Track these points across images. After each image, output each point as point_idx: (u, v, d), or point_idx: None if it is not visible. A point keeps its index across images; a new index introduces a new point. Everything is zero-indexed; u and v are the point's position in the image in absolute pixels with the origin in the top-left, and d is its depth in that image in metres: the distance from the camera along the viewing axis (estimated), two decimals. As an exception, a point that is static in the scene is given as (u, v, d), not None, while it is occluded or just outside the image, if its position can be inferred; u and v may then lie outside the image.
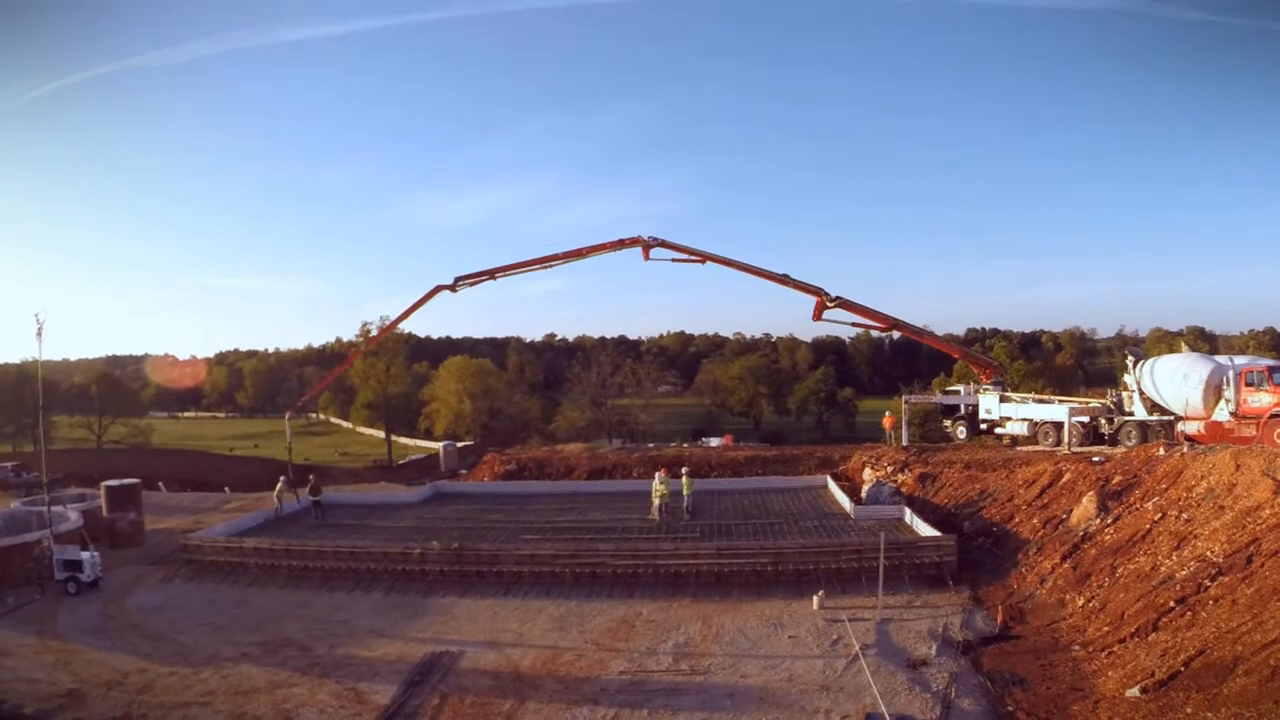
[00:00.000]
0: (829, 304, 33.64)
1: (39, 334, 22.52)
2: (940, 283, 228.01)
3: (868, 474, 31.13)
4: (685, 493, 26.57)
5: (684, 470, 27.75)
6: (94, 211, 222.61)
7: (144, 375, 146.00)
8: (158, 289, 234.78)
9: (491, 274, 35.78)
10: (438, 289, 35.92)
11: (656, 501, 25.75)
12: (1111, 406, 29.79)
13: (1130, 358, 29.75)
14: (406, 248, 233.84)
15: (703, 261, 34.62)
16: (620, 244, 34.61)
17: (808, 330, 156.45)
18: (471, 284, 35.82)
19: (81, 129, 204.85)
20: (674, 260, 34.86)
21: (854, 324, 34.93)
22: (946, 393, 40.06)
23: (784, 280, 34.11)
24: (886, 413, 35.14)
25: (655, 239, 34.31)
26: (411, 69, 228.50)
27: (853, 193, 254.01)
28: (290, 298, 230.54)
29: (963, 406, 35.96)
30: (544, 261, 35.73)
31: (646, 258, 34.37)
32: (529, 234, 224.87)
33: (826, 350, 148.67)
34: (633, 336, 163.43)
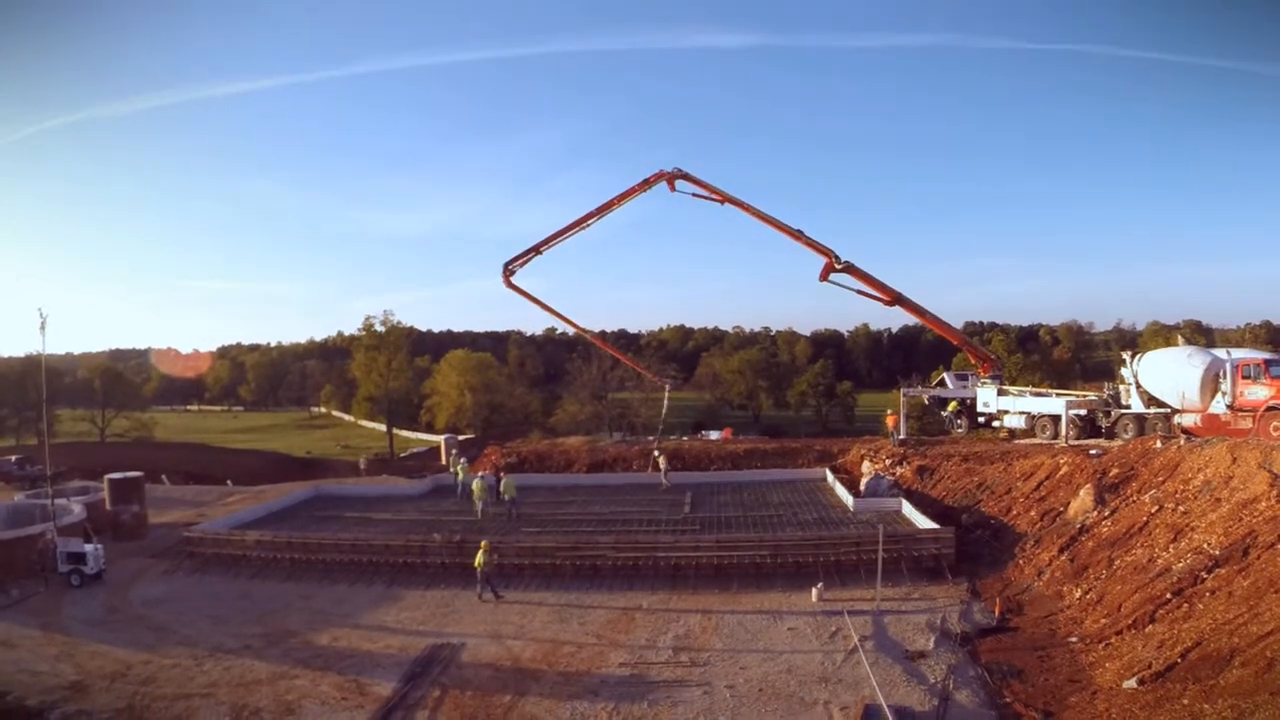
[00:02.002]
0: (837, 266, 33.47)
1: (42, 328, 22.61)
2: (937, 277, 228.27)
3: (866, 467, 31.21)
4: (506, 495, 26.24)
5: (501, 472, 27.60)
6: (93, 221, 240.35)
7: (147, 369, 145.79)
8: (153, 292, 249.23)
9: (537, 249, 35.60)
10: (505, 279, 35.61)
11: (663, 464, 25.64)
12: (1108, 400, 29.87)
13: (1127, 351, 29.81)
14: (375, 253, 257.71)
15: (722, 202, 34.33)
16: (646, 184, 34.34)
17: (806, 324, 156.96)
18: (522, 264, 35.67)
19: (82, 162, 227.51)
20: (694, 195, 34.68)
21: (859, 292, 34.48)
22: (937, 385, 40.15)
23: (797, 235, 33.92)
24: (889, 411, 35.00)
25: (679, 170, 34.20)
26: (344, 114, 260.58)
27: (836, 192, 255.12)
28: (276, 299, 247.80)
29: (956, 398, 36.11)
30: (580, 224, 35.43)
31: (672, 189, 34.32)
32: (479, 239, 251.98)
33: (825, 343, 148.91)
34: (633, 330, 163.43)
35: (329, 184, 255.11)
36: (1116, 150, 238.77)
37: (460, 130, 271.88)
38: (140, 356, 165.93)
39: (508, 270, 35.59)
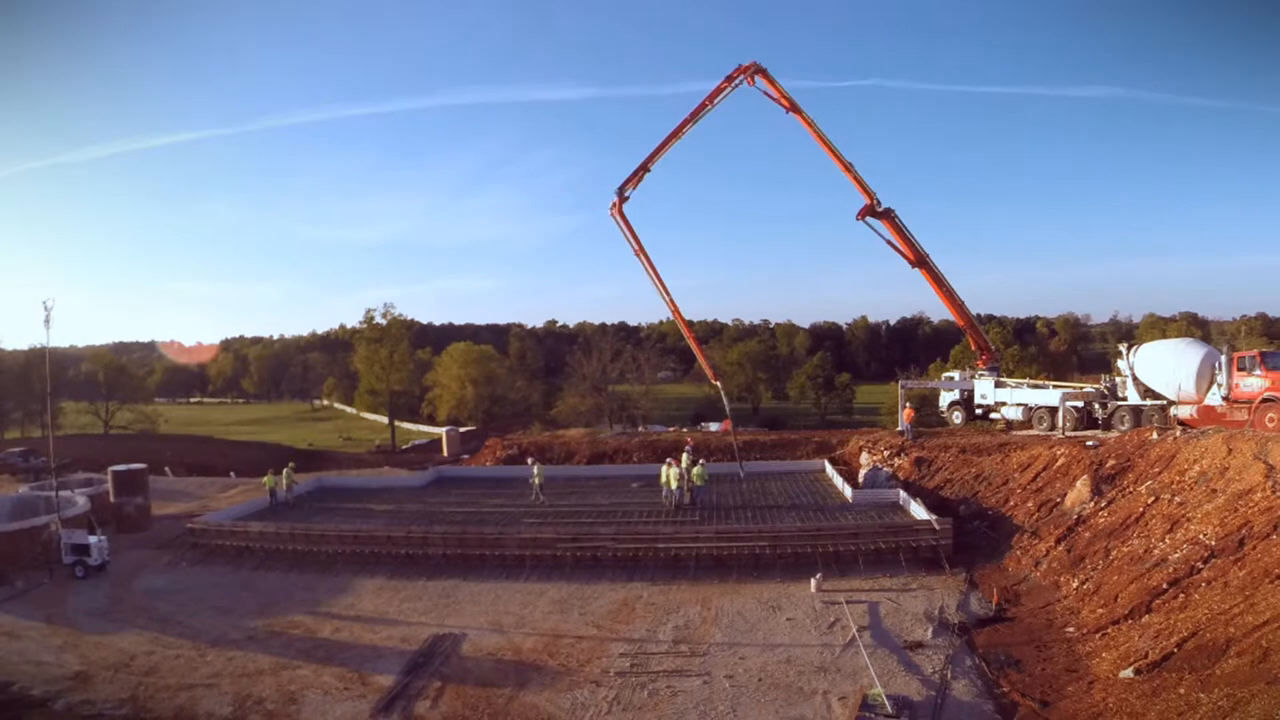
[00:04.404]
0: (877, 210, 33.61)
1: (46, 321, 22.74)
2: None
3: (865, 458, 31.31)
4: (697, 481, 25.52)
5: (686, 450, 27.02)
6: (87, 234, 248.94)
7: (150, 362, 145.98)
8: (145, 292, 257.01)
9: (645, 168, 34.47)
10: (613, 207, 34.11)
11: (666, 487, 25.42)
12: (1105, 391, 29.93)
13: (1124, 343, 29.85)
14: (344, 258, 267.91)
15: (788, 110, 34.17)
16: (730, 80, 33.80)
17: (805, 317, 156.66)
18: (634, 185, 34.45)
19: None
20: (765, 94, 34.39)
21: (887, 241, 34.28)
22: (943, 379, 40.17)
23: (848, 167, 34.13)
24: (906, 405, 35.15)
25: (758, 65, 33.97)
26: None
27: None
28: (259, 299, 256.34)
29: (958, 392, 36.25)
30: (677, 133, 34.41)
31: (751, 84, 34.15)
32: (427, 246, 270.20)
33: (824, 336, 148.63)
34: (632, 323, 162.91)
35: (282, 206, 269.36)
36: (1115, 147, 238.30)
37: (392, 159, 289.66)
38: (144, 349, 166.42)
39: (621, 195, 33.99)
